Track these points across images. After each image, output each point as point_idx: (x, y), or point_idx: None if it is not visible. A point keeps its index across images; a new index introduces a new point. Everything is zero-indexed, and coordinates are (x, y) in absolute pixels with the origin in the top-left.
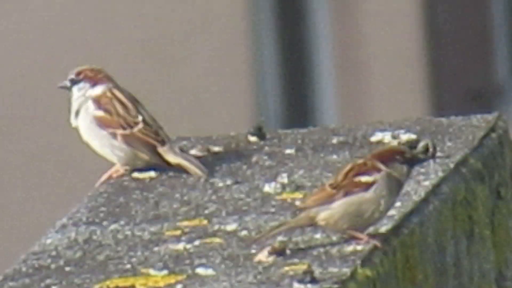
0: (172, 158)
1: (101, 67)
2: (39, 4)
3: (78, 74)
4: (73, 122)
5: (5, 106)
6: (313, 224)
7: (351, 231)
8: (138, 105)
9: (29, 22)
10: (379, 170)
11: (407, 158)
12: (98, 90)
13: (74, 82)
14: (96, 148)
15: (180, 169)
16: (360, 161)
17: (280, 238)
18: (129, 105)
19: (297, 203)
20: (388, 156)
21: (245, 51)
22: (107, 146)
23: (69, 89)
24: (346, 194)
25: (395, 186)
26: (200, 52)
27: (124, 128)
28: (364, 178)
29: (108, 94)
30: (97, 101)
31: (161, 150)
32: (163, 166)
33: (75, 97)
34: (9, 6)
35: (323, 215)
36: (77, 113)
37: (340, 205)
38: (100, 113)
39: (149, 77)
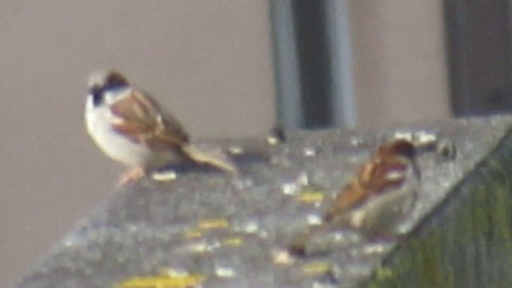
0: (200, 156)
1: (116, 69)
2: (59, 4)
3: (108, 78)
4: (90, 128)
5: (27, 104)
6: (347, 227)
7: (384, 232)
8: (155, 104)
9: (48, 22)
10: (404, 165)
11: (413, 149)
12: (121, 94)
13: (104, 88)
14: (114, 154)
15: (200, 170)
16: (379, 159)
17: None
18: (148, 106)
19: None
20: (401, 149)
21: (264, 53)
22: (127, 153)
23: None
24: (379, 192)
25: (418, 177)
26: (219, 54)
27: (146, 132)
28: (394, 175)
29: (129, 97)
30: (115, 107)
31: (186, 148)
32: (188, 163)
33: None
34: (28, 5)
35: (359, 216)
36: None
37: (376, 204)
38: (118, 120)
39: (168, 78)
